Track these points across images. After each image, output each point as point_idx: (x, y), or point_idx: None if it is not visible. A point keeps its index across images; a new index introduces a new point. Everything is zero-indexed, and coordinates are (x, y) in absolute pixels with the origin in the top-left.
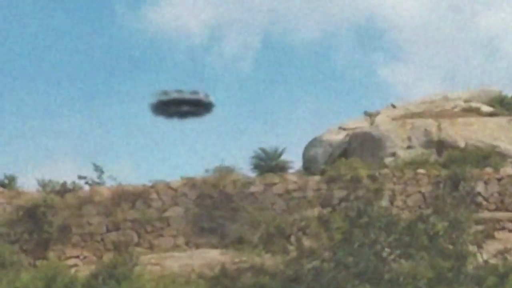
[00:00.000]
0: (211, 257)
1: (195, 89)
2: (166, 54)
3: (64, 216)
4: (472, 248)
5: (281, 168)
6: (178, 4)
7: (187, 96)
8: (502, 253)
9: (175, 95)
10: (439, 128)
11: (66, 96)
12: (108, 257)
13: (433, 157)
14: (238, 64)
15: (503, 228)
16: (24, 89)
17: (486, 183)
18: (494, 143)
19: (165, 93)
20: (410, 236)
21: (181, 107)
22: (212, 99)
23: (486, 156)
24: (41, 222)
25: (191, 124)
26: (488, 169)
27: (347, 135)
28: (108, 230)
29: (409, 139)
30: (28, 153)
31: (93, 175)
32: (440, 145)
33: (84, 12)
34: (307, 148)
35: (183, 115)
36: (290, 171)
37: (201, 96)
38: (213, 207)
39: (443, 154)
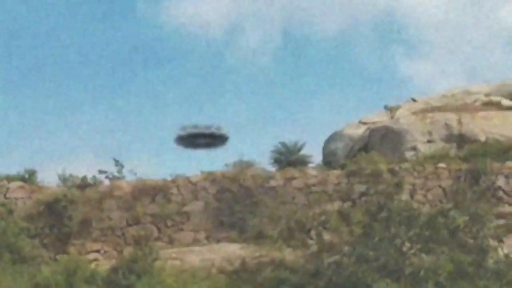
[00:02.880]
0: (231, 251)
1: (209, 124)
2: (186, 48)
3: (85, 210)
4: (493, 242)
5: (301, 162)
6: None
7: (202, 130)
8: None
9: (192, 130)
10: (459, 122)
11: (86, 91)
12: (128, 251)
13: (454, 151)
14: (257, 58)
15: None
16: (44, 84)
17: (506, 177)
18: None
19: (183, 128)
20: (430, 231)
21: (197, 140)
22: (225, 131)
23: (507, 150)
24: (61, 217)
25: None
26: (509, 163)
27: (367, 129)
28: (128, 225)
29: (430, 133)
30: (48, 148)
31: (113, 170)
32: (461, 139)
33: (104, 7)
34: (327, 142)
35: (200, 145)
36: (310, 165)
37: (214, 130)
38: (233, 202)
39: (463, 148)
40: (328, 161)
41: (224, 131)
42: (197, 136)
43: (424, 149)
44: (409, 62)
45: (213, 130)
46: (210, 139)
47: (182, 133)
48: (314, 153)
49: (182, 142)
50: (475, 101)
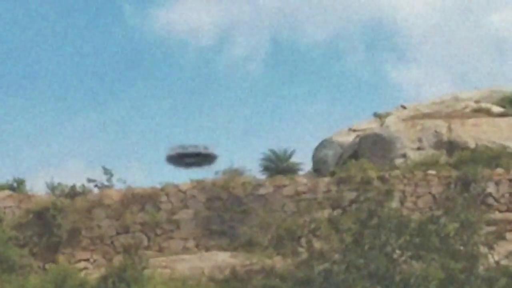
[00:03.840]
0: (221, 259)
1: (202, 144)
2: (176, 55)
3: (74, 219)
4: (483, 249)
5: (291, 170)
6: (187, 5)
7: (193, 150)
8: None
9: (183, 150)
10: (449, 129)
11: (74, 98)
12: (117, 260)
13: (444, 158)
14: (247, 65)
15: None
16: (33, 91)
17: (497, 183)
18: (505, 144)
19: (180, 147)
20: (420, 238)
21: (188, 159)
22: (214, 151)
23: (497, 157)
24: (50, 226)
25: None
26: (499, 170)
27: (357, 136)
28: (117, 233)
29: (419, 140)
30: (37, 156)
31: (102, 178)
32: (451, 146)
33: (92, 12)
34: (317, 150)
35: (190, 165)
36: (300, 173)
37: (204, 150)
38: (223, 210)
39: (453, 155)
40: (318, 169)
41: (213, 150)
42: (187, 156)
43: (414, 156)
44: (399, 69)
45: (202, 150)
46: (199, 158)
47: (172, 152)
48: (304, 160)
49: (172, 161)
50: (465, 107)
